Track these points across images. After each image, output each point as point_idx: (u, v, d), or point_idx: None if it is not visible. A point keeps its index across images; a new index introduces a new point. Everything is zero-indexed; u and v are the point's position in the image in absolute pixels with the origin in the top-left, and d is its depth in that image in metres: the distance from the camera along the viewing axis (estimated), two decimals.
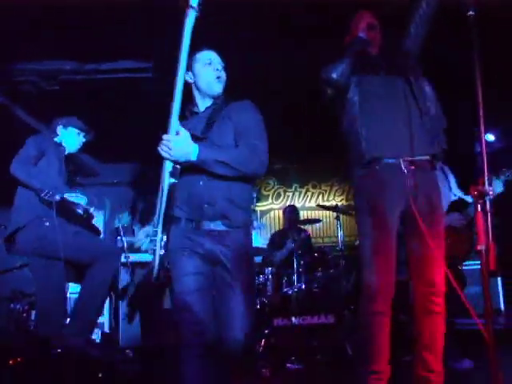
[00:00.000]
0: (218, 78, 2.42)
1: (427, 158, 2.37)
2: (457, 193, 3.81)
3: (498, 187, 3.47)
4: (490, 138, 7.14)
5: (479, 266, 1.68)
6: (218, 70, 2.43)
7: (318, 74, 2.49)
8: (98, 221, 4.79)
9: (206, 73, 2.45)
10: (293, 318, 4.46)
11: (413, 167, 2.30)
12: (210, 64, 2.45)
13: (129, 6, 3.83)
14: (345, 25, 2.62)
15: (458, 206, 3.68)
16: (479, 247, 1.65)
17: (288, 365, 4.11)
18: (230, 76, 2.49)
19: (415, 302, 2.30)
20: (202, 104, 2.47)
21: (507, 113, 6.05)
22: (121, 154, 5.35)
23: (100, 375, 3.66)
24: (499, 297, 4.87)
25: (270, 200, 7.82)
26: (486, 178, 1.70)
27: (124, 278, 4.74)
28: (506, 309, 4.75)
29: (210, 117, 2.39)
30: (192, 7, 2.01)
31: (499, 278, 4.84)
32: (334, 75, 2.41)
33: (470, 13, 1.86)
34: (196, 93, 2.50)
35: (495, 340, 1.68)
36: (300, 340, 4.32)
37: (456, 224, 3.53)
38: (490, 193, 1.69)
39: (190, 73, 2.44)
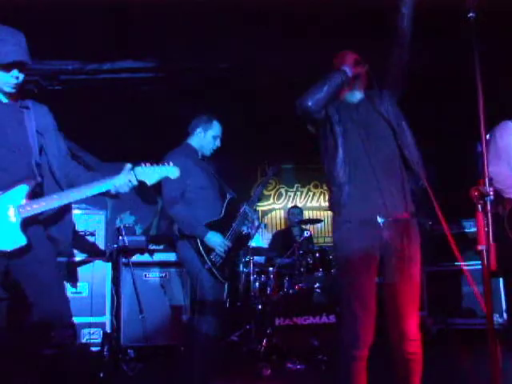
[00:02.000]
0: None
1: (406, 212, 2.34)
2: None
3: None
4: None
5: (480, 267, 1.68)
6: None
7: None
8: (99, 221, 4.79)
9: (213, 143, 3.43)
10: (294, 318, 4.46)
11: (390, 220, 2.28)
12: (218, 138, 3.44)
13: (130, 4, 3.84)
14: None
15: None
16: (480, 247, 1.65)
17: (289, 365, 4.12)
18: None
19: (391, 344, 2.31)
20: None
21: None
22: (122, 153, 5.34)
23: (101, 375, 3.68)
24: (501, 297, 4.85)
25: (271, 200, 7.80)
26: (487, 179, 1.70)
27: (125, 277, 4.74)
28: (508, 309, 4.74)
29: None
30: None
31: (501, 279, 4.83)
32: (309, 103, 2.32)
33: (471, 15, 1.87)
34: (196, 146, 3.42)
35: (496, 339, 1.68)
36: (301, 340, 4.32)
37: None
38: (491, 193, 1.69)
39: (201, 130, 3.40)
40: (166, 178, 2.57)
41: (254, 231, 3.90)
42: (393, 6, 2.29)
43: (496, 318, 4.80)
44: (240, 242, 3.50)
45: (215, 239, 3.18)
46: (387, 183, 2.30)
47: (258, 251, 5.80)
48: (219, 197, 3.37)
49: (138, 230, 6.87)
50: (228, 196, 3.41)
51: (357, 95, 2.52)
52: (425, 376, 2.29)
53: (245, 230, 3.57)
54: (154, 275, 4.86)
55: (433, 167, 3.21)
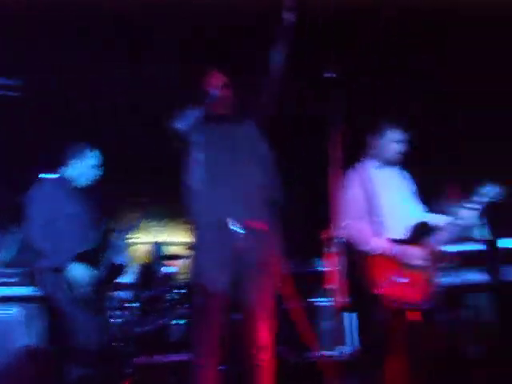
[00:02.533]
0: None
1: (262, 224, 2.45)
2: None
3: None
4: None
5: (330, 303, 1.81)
6: None
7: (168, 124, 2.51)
8: None
9: (91, 173, 3.43)
10: (155, 356, 4.37)
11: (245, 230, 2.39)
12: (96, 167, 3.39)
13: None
14: None
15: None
16: (329, 286, 1.76)
17: None
18: None
19: (244, 352, 2.41)
20: None
21: None
22: None
23: None
24: (351, 330, 5.20)
25: (137, 233, 7.63)
26: (337, 222, 1.85)
27: None
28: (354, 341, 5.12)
29: None
30: None
31: (351, 313, 5.19)
32: (179, 125, 2.44)
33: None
34: (70, 176, 3.36)
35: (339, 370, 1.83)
36: (162, 378, 4.24)
37: (412, 260, 2.92)
38: (341, 236, 1.83)
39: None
40: (29, 209, 2.50)
41: (125, 262, 3.81)
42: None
43: (346, 350, 5.13)
44: (113, 274, 3.41)
45: (81, 272, 3.07)
46: (246, 201, 2.42)
47: (120, 285, 5.61)
48: (92, 226, 3.28)
49: None
50: (102, 226, 3.34)
51: (222, 117, 2.61)
52: None
53: (119, 260, 3.50)
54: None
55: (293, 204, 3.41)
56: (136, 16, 4.39)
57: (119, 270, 3.64)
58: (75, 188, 3.37)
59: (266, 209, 2.46)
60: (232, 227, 2.33)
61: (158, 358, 4.38)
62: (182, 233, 7.97)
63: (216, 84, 2.54)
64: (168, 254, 6.29)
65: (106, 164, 3.53)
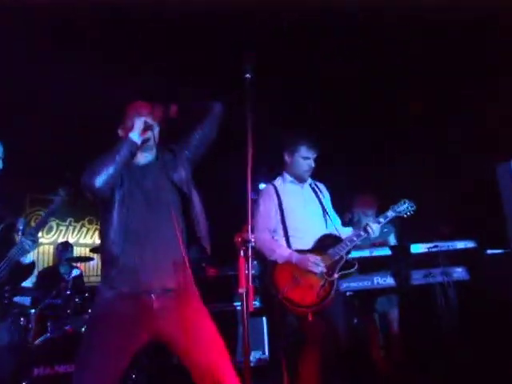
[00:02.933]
0: None
1: (180, 283, 2.23)
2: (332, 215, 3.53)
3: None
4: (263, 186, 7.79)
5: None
6: None
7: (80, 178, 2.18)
8: None
9: None
10: (56, 366, 4.10)
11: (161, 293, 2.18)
12: None
13: None
14: None
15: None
16: (240, 290, 1.74)
17: None
18: None
19: None
20: None
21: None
22: None
23: None
24: (264, 334, 5.20)
25: (39, 233, 7.22)
26: (250, 226, 1.81)
27: None
28: (269, 345, 5.13)
29: None
30: None
31: (264, 318, 5.20)
32: (97, 184, 2.10)
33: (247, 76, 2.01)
34: None
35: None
36: None
37: (309, 267, 3.11)
38: (252, 240, 1.80)
39: None
40: None
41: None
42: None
43: (259, 354, 5.12)
44: (20, 274, 3.17)
45: None
46: (164, 256, 2.18)
47: (20, 290, 5.23)
48: None
49: None
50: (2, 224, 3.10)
51: (146, 157, 2.36)
52: None
53: (26, 260, 3.26)
54: None
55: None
56: None
57: (27, 270, 3.37)
58: None
59: (186, 263, 2.20)
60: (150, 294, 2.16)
61: (60, 369, 4.10)
62: (86, 234, 7.68)
63: (138, 126, 2.26)
64: (73, 256, 6.02)
65: (11, 158, 3.31)
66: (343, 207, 4.73)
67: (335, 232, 3.31)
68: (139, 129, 2.25)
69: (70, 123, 5.58)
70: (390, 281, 4.01)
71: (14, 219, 3.26)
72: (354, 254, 4.00)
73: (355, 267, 3.19)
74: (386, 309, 4.33)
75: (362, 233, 3.20)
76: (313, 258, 3.08)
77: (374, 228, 3.20)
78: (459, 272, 4.01)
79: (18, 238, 3.26)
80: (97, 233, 7.56)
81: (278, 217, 3.27)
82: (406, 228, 4.69)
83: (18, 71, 4.86)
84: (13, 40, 4.40)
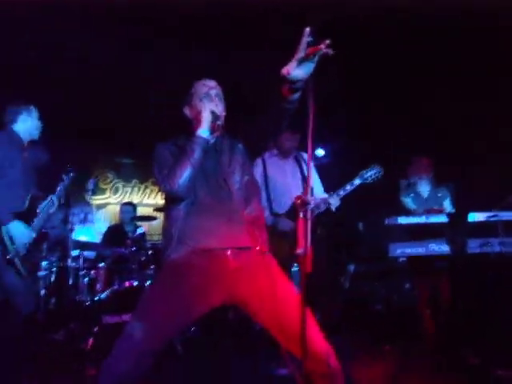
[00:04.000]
0: None
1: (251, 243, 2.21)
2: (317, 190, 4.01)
3: (336, 202, 3.81)
4: (320, 152, 7.82)
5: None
6: None
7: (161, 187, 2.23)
8: None
9: (39, 126, 3.40)
10: (123, 315, 4.38)
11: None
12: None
13: None
14: None
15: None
16: (299, 251, 1.78)
17: None
18: None
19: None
20: None
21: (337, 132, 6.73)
22: None
23: None
24: None
25: (107, 194, 7.58)
26: (309, 189, 1.87)
27: None
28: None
29: None
30: None
31: None
32: (177, 188, 2.13)
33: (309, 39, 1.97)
34: (21, 132, 3.29)
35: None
36: None
37: (284, 228, 3.75)
38: (312, 202, 1.85)
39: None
40: None
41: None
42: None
43: None
44: (41, 239, 3.42)
45: (20, 228, 3.09)
46: (238, 217, 2.18)
47: (88, 246, 5.60)
48: (25, 189, 3.27)
49: None
50: (32, 191, 3.32)
51: (210, 137, 2.29)
52: None
53: (48, 228, 3.52)
54: None
55: None
56: None
57: (43, 238, 3.61)
58: (23, 145, 3.34)
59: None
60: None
61: (126, 318, 4.39)
62: (150, 194, 7.98)
63: (206, 118, 2.21)
64: (137, 215, 6.29)
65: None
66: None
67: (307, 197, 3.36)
68: (208, 122, 2.21)
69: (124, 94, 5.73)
70: (444, 248, 3.99)
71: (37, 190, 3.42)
72: (410, 220, 4.03)
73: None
74: (439, 276, 4.33)
75: (322, 205, 3.74)
76: (287, 221, 3.72)
77: (333, 202, 3.74)
78: None
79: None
80: (160, 194, 7.82)
81: (263, 185, 3.90)
82: (464, 195, 4.64)
83: (72, 43, 5.01)
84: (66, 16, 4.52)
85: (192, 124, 2.36)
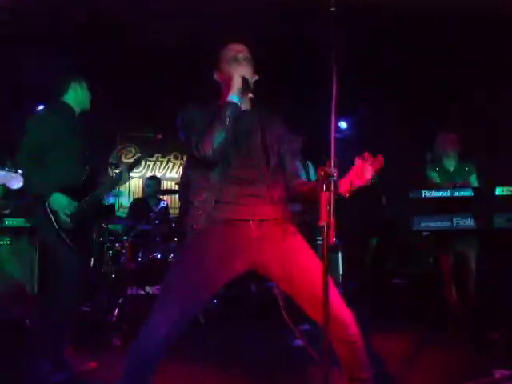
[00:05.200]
0: None
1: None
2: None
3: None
4: (343, 125, 7.73)
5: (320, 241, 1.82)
6: None
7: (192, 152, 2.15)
8: None
9: (88, 95, 3.35)
10: (147, 288, 4.47)
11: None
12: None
13: None
14: None
15: None
16: (321, 223, 1.73)
17: None
18: None
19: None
20: None
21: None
22: None
23: None
24: (339, 269, 5.36)
25: None
26: (333, 161, 1.83)
27: None
28: (343, 279, 5.29)
29: None
30: None
31: (339, 253, 5.34)
32: (210, 154, 2.08)
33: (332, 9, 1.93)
34: (73, 103, 3.22)
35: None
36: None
37: None
38: (335, 174, 1.82)
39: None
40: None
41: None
42: None
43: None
44: (99, 211, 3.39)
45: (61, 201, 3.06)
46: (260, 190, 2.16)
47: (112, 219, 5.67)
48: (81, 162, 3.26)
49: None
50: (89, 163, 3.32)
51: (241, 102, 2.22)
52: None
53: (110, 200, 3.50)
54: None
55: None
56: None
57: (109, 209, 3.59)
58: (73, 117, 3.30)
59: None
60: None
61: (150, 290, 4.47)
62: (172, 168, 8.02)
63: (237, 85, 2.14)
64: (160, 189, 6.35)
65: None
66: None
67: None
68: (239, 88, 2.15)
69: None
70: (470, 222, 3.92)
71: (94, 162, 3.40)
72: (435, 194, 3.97)
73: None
74: (463, 250, 4.30)
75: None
76: None
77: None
78: None
79: (112, 171, 3.44)
80: (182, 168, 7.86)
81: None
82: (490, 169, 4.56)
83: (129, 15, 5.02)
84: None
85: (222, 88, 2.31)
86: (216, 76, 2.34)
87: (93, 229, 4.24)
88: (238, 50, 2.29)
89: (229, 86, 2.18)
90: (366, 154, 1.98)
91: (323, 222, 1.73)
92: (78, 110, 3.33)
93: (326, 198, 1.76)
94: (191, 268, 2.10)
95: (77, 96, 3.32)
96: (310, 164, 4.42)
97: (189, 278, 2.08)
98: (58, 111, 3.24)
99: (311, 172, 4.23)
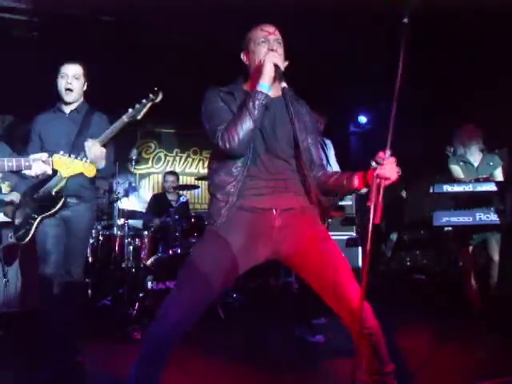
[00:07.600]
0: None
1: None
2: (334, 167, 3.80)
3: None
4: (363, 119, 7.68)
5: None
6: None
7: (216, 143, 2.04)
8: None
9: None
10: (167, 282, 4.50)
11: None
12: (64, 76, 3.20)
13: None
14: None
15: None
16: (369, 203, 1.90)
17: None
18: None
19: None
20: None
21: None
22: None
23: None
24: (358, 264, 5.33)
25: (149, 163, 7.70)
26: (388, 151, 1.90)
27: None
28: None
29: None
30: None
31: (359, 248, 5.31)
32: (237, 146, 1.99)
33: (405, 20, 1.94)
34: None
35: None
36: None
37: None
38: (384, 162, 1.91)
39: None
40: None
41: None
42: None
43: None
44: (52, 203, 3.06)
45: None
46: (285, 180, 2.13)
47: (133, 214, 5.72)
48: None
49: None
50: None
51: (271, 91, 2.10)
52: None
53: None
54: None
55: None
56: None
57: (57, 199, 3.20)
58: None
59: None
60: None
61: (170, 284, 4.50)
62: (192, 164, 8.05)
63: (268, 72, 2.04)
64: (179, 184, 6.38)
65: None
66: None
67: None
68: (270, 77, 2.04)
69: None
70: (493, 217, 3.87)
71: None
72: (457, 188, 3.91)
73: None
74: (485, 246, 4.22)
75: None
76: None
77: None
78: None
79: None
80: (201, 163, 7.90)
81: None
82: None
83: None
84: None
85: (249, 71, 2.20)
86: (243, 57, 2.23)
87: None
88: (270, 31, 2.16)
89: (258, 71, 2.07)
90: (380, 155, 1.93)
91: (371, 203, 1.88)
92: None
93: (376, 183, 1.91)
94: (210, 254, 2.06)
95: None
96: (328, 142, 3.98)
97: (206, 266, 2.03)
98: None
99: (330, 153, 3.93)
